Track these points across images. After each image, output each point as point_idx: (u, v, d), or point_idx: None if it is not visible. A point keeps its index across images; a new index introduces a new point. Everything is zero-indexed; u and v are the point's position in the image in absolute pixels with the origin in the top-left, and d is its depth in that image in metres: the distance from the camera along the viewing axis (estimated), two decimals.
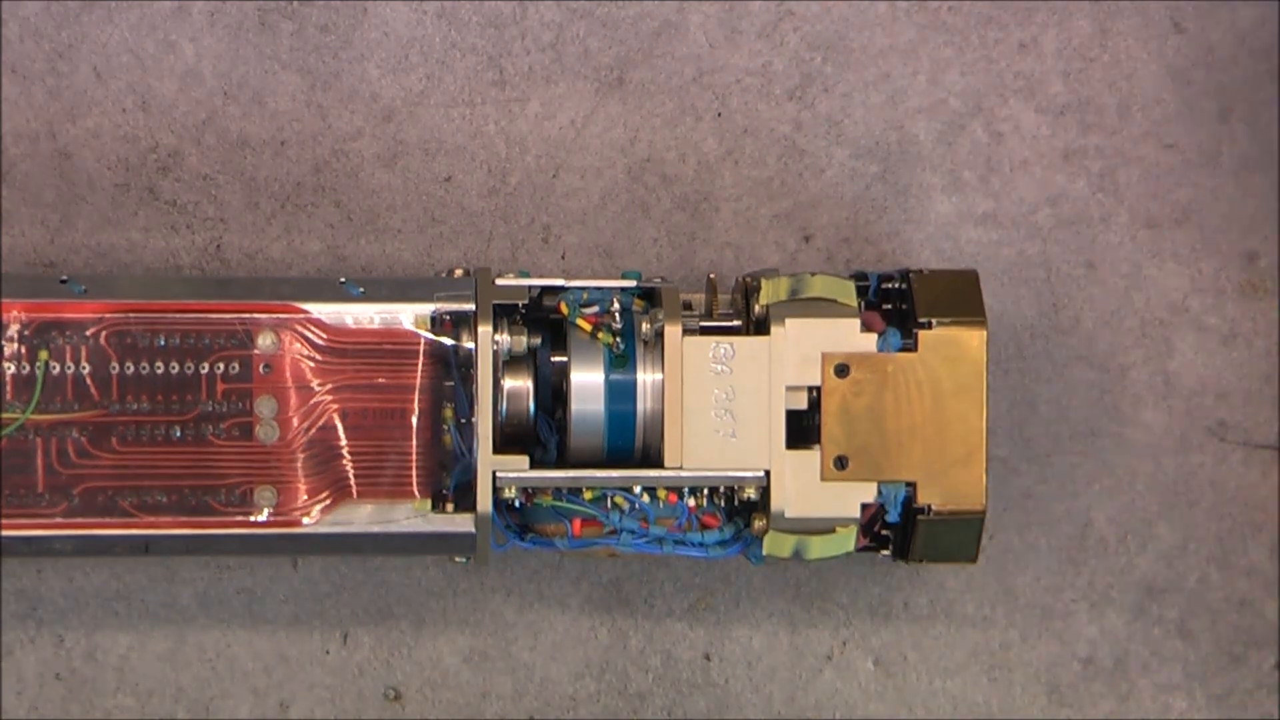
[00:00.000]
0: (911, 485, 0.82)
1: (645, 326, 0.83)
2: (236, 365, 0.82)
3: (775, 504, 0.81)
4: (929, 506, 0.82)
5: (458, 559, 0.82)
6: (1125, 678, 0.90)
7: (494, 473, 0.81)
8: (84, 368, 0.81)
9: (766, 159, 0.93)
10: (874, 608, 0.90)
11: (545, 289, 0.83)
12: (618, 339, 0.83)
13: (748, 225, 0.93)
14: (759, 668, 0.89)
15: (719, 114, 0.93)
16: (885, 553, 0.84)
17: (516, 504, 0.81)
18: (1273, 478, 0.91)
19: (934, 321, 0.82)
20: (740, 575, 0.89)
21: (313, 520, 0.81)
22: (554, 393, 0.83)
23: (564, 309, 0.83)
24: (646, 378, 0.83)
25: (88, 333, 0.81)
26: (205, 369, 0.82)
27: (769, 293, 0.83)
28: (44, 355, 0.81)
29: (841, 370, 0.82)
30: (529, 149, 0.93)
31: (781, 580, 0.90)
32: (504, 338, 0.82)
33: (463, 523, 0.81)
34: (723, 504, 0.83)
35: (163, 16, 0.92)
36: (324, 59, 0.92)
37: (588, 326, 0.83)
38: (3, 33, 0.91)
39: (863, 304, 0.84)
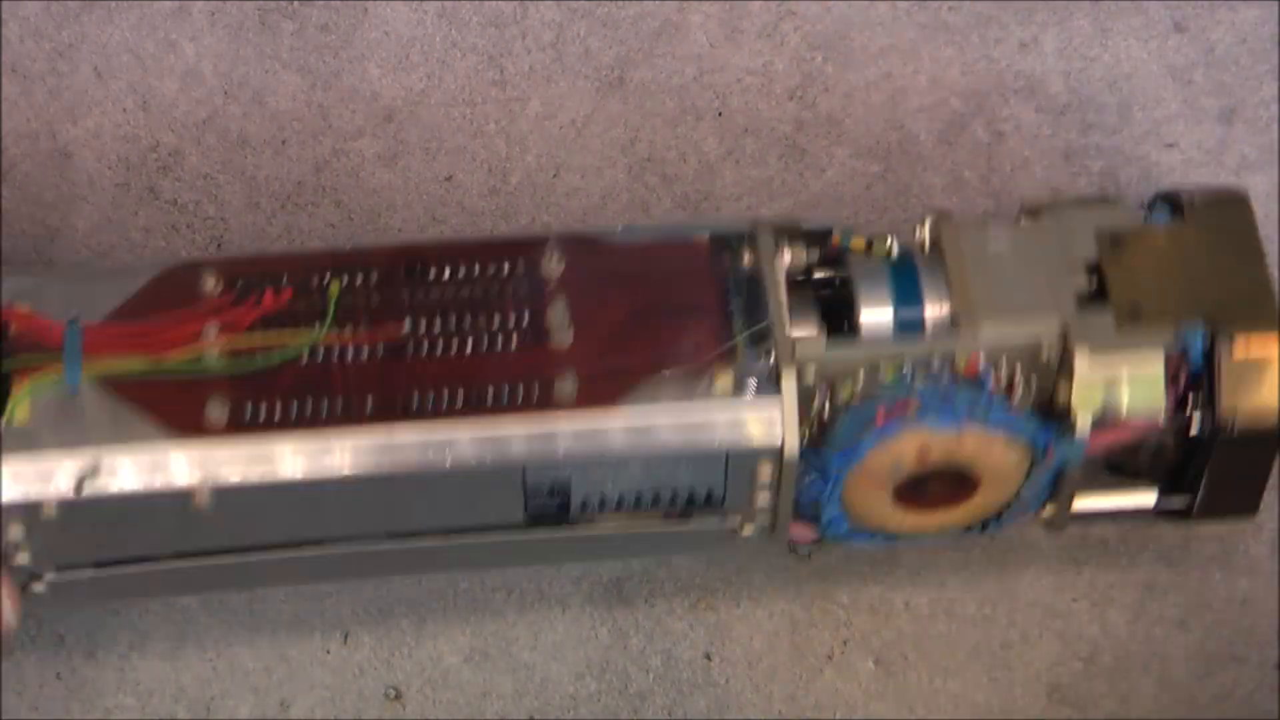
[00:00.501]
0: (1211, 325, 0.81)
1: (918, 230, 0.83)
2: (525, 283, 0.80)
3: (1078, 358, 0.80)
4: (1231, 422, 0.81)
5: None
6: (1125, 678, 0.90)
7: (793, 342, 0.79)
8: (373, 298, 0.80)
9: (767, 158, 0.93)
10: (874, 607, 0.90)
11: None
12: (890, 247, 0.83)
13: None
14: (759, 667, 0.89)
15: (719, 113, 0.93)
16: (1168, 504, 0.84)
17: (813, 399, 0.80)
18: (1272, 476, 0.91)
19: (1235, 422, 0.82)
20: (741, 575, 0.90)
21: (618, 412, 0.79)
22: (830, 313, 0.82)
23: (836, 238, 0.82)
24: (927, 275, 0.82)
25: (375, 268, 0.80)
26: (494, 290, 0.80)
27: (1081, 399, 0.81)
28: (335, 287, 0.80)
29: (1116, 242, 0.81)
30: (529, 148, 0.93)
31: (782, 580, 0.90)
32: (785, 255, 0.81)
33: (768, 408, 0.79)
34: (1021, 382, 0.82)
35: (163, 16, 0.92)
36: (324, 58, 0.93)
37: (862, 243, 0.83)
38: (3, 33, 0.91)
39: None
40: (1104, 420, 0.81)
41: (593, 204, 0.92)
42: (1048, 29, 0.94)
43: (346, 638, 0.89)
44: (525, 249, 0.81)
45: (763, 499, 0.81)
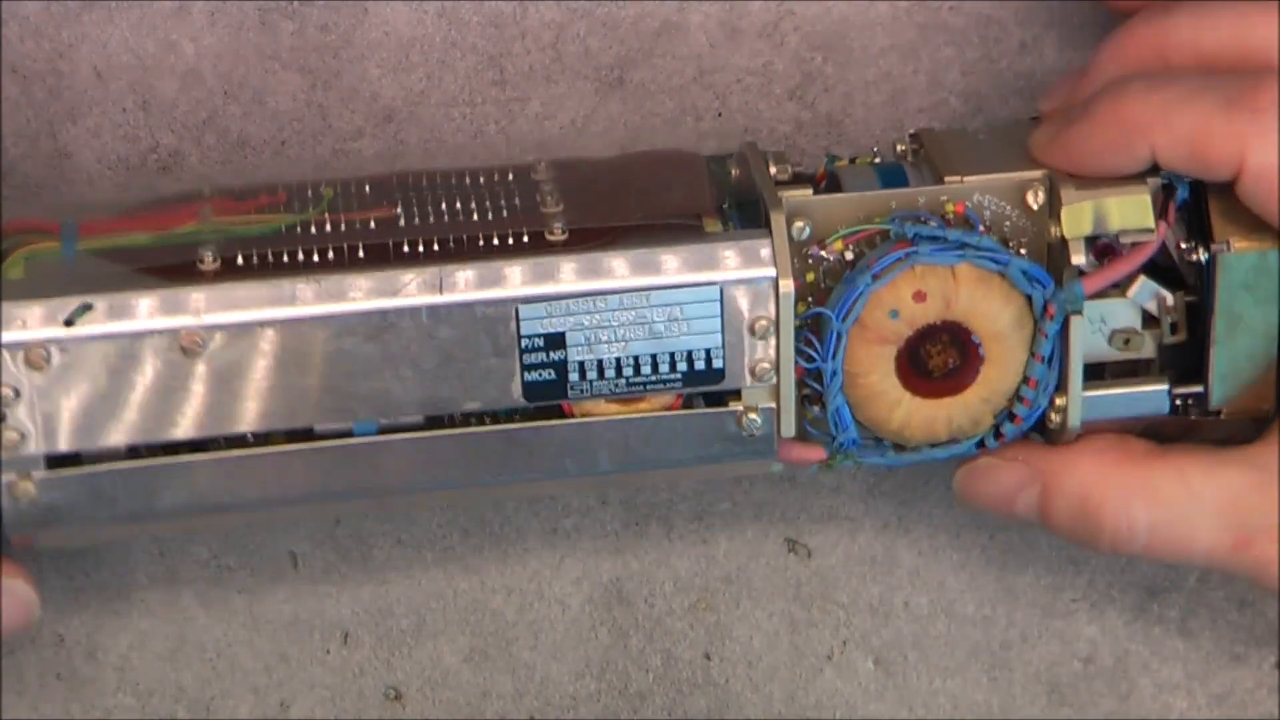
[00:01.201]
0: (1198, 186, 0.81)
1: (898, 147, 0.86)
2: (516, 178, 0.84)
3: (1064, 190, 0.81)
4: (1220, 410, 0.82)
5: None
6: (1125, 677, 0.90)
7: (780, 194, 0.81)
8: (366, 196, 0.82)
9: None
10: (874, 607, 0.90)
11: None
12: (876, 156, 0.86)
13: None
14: (759, 667, 0.89)
15: (719, 114, 0.93)
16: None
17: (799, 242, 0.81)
18: None
19: (1230, 242, 0.82)
20: (741, 575, 0.89)
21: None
22: None
23: (822, 170, 0.85)
24: (913, 171, 0.84)
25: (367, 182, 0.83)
26: (486, 185, 0.83)
27: (1070, 223, 0.82)
28: (329, 191, 0.82)
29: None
30: (529, 149, 0.93)
31: (782, 580, 0.90)
32: (773, 168, 0.84)
33: (758, 243, 0.80)
34: (1011, 226, 0.83)
35: (163, 16, 0.92)
36: (324, 59, 0.93)
37: (845, 163, 0.86)
38: (3, 33, 0.91)
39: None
40: (1099, 252, 0.82)
41: None
42: (1048, 30, 0.94)
43: (346, 638, 0.89)
44: (517, 167, 0.84)
45: (762, 358, 0.80)
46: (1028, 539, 0.90)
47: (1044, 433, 0.83)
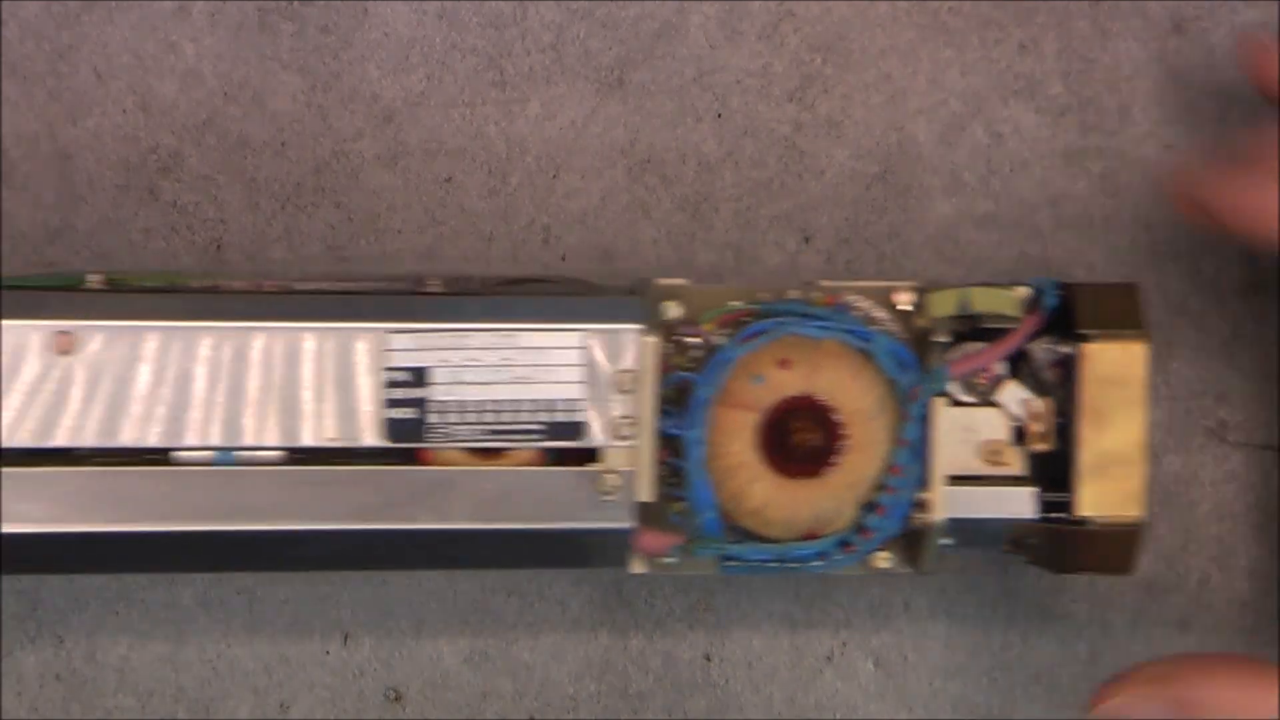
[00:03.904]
0: (1064, 288, 0.82)
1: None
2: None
3: (931, 292, 0.82)
4: (1087, 518, 0.81)
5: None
6: None
7: (656, 282, 0.82)
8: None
9: (766, 160, 0.93)
10: (874, 608, 0.90)
11: None
12: None
13: (748, 226, 0.93)
14: (759, 668, 0.89)
15: (719, 115, 0.93)
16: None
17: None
18: (1273, 478, 0.91)
19: (1094, 334, 0.82)
20: (741, 576, 0.89)
21: None
22: None
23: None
24: None
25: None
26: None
27: (936, 305, 0.83)
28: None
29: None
30: (529, 149, 0.93)
31: (782, 581, 0.90)
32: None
33: (622, 305, 0.81)
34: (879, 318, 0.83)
35: (163, 17, 0.92)
36: (324, 59, 0.92)
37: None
38: (3, 33, 0.91)
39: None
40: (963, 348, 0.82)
41: (592, 205, 0.92)
42: (1048, 30, 0.94)
43: (346, 638, 0.89)
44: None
45: (624, 415, 0.80)
46: None
47: (909, 535, 0.83)
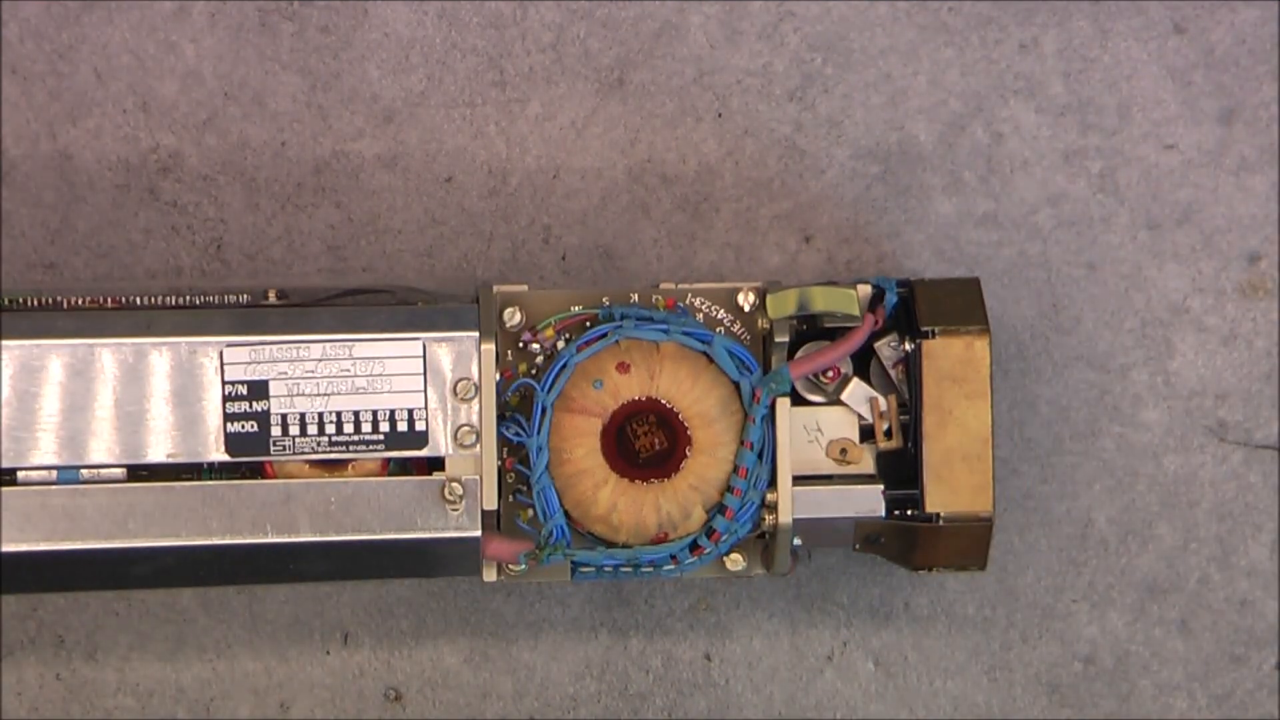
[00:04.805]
0: (906, 285, 0.83)
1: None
2: None
3: (771, 292, 0.83)
4: (936, 515, 0.81)
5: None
6: (1126, 678, 0.90)
7: (495, 290, 0.82)
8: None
9: (767, 160, 0.93)
10: (874, 608, 0.90)
11: None
12: None
13: (748, 226, 0.93)
14: (759, 668, 0.89)
15: (719, 115, 0.93)
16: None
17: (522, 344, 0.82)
18: (1273, 478, 0.91)
19: (936, 330, 0.83)
20: (740, 577, 0.89)
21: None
22: None
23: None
24: None
25: None
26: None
27: (775, 306, 0.83)
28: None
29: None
30: (529, 150, 0.93)
31: (782, 581, 0.90)
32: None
33: (460, 314, 0.81)
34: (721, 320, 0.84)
35: (163, 17, 0.92)
36: (324, 60, 0.92)
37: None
38: (3, 33, 0.91)
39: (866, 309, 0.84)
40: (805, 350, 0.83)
41: (592, 205, 0.92)
42: (1047, 30, 0.94)
43: (346, 638, 0.89)
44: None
45: (466, 423, 0.80)
46: (1027, 539, 0.90)
47: (761, 537, 0.83)
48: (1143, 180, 0.94)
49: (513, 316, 0.83)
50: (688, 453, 0.82)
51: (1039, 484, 0.91)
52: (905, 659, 0.89)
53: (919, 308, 0.83)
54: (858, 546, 0.83)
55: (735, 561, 0.83)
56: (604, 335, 0.82)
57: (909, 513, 0.82)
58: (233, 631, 0.88)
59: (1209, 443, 0.92)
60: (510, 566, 0.82)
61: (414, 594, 0.89)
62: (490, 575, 0.81)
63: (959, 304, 0.83)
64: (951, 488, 0.82)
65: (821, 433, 0.83)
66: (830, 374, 0.83)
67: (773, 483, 0.81)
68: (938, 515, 0.81)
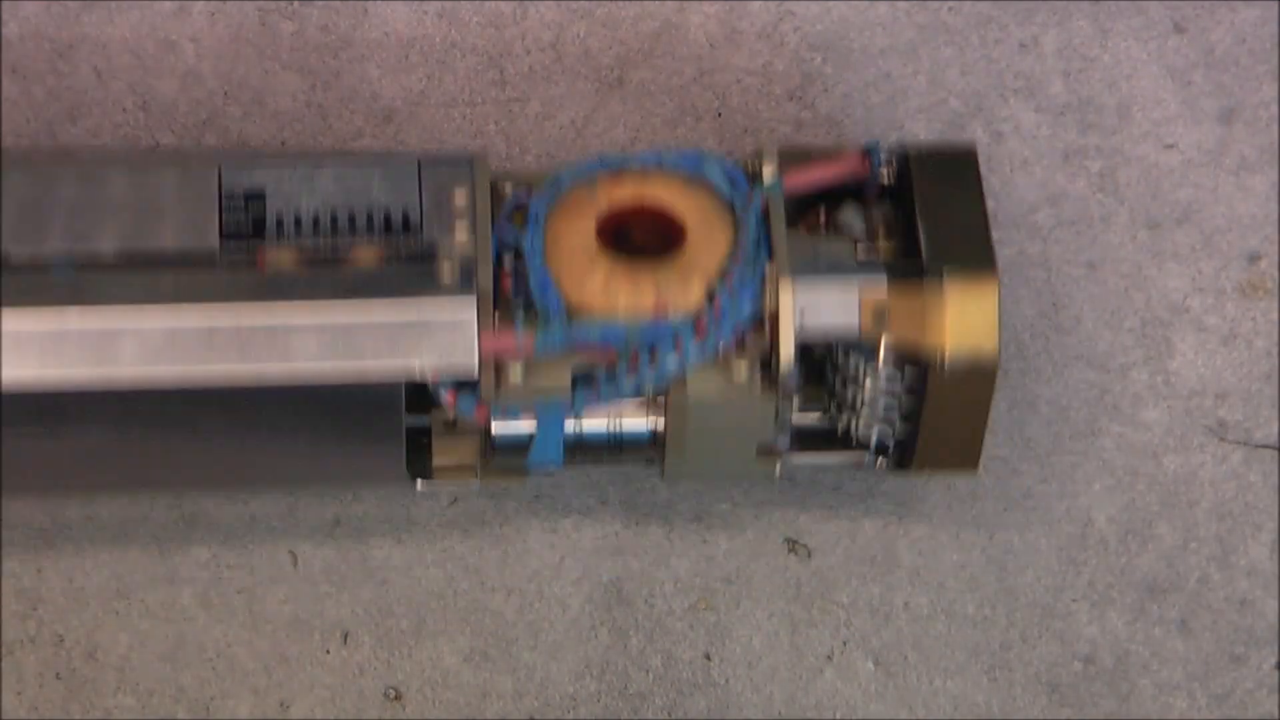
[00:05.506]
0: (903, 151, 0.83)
1: None
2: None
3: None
4: (941, 358, 0.81)
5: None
6: (1125, 678, 0.90)
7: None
8: None
9: None
10: (874, 608, 0.90)
11: None
12: None
13: None
14: (759, 668, 0.89)
15: (719, 114, 0.93)
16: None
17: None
18: (1273, 478, 0.92)
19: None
20: (741, 575, 0.89)
21: None
22: None
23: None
24: None
25: None
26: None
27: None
28: None
29: None
30: (529, 149, 0.93)
31: (782, 580, 0.90)
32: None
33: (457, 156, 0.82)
34: None
35: (163, 16, 0.92)
36: (324, 59, 0.93)
37: None
38: (3, 33, 0.91)
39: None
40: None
41: None
42: (1047, 29, 0.94)
43: (346, 638, 0.89)
44: None
45: (462, 237, 0.80)
46: (1027, 539, 0.91)
47: (764, 357, 0.82)
48: (1143, 180, 0.94)
49: (506, 188, 0.83)
50: (685, 240, 0.81)
51: (1039, 484, 0.91)
52: (905, 659, 0.89)
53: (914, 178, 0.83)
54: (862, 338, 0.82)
55: (740, 370, 0.81)
56: (603, 166, 0.82)
57: (913, 279, 0.81)
58: (232, 631, 0.88)
59: (1209, 442, 0.92)
60: (506, 364, 0.81)
61: (414, 593, 0.89)
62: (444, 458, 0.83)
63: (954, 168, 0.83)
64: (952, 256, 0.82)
65: (819, 256, 0.82)
66: (819, 219, 0.83)
67: (770, 274, 0.81)
68: (941, 356, 0.81)
